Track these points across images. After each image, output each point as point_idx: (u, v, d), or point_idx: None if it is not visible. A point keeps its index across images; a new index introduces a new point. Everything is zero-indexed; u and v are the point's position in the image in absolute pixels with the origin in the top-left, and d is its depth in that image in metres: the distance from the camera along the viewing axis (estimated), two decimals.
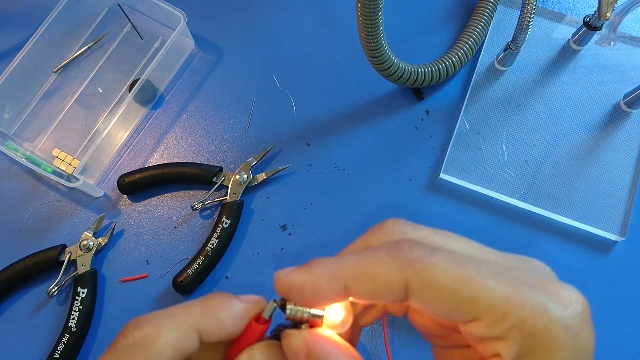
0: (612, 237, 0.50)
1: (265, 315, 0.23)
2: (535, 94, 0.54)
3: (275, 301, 0.22)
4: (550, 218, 0.51)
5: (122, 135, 0.55)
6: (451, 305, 0.19)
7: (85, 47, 0.58)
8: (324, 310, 0.22)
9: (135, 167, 0.54)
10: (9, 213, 0.53)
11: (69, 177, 0.52)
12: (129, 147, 0.55)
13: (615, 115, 0.53)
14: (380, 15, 0.43)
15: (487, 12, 0.54)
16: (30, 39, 0.53)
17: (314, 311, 0.22)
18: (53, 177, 0.50)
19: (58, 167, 0.54)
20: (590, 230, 0.50)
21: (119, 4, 0.59)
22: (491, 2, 0.55)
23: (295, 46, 0.58)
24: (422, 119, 0.55)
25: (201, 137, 0.55)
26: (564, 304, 0.20)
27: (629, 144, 0.52)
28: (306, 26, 0.58)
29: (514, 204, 0.51)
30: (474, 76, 0.55)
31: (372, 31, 0.44)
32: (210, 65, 0.57)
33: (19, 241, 0.52)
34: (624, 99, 0.53)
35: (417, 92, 0.55)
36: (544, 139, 0.53)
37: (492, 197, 0.52)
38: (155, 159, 0.55)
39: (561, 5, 0.58)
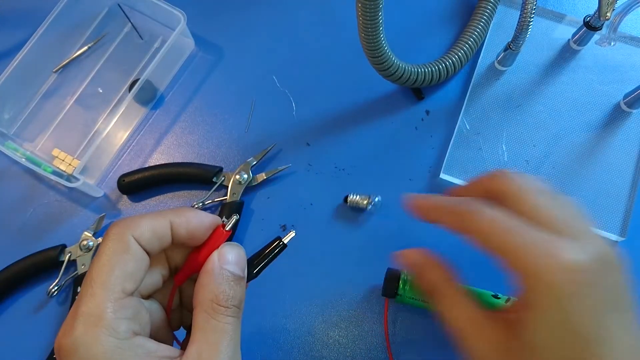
0: (612, 237, 0.50)
1: (229, 226, 0.30)
2: (536, 94, 0.54)
3: (237, 215, 0.30)
4: None
5: (122, 135, 0.55)
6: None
7: (86, 47, 0.58)
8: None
9: (135, 167, 0.54)
10: (9, 213, 0.53)
11: (69, 177, 0.52)
12: (129, 147, 0.55)
13: (616, 115, 0.53)
14: (380, 15, 0.43)
15: (487, 12, 0.54)
16: (30, 38, 0.53)
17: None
18: (53, 177, 0.50)
19: (58, 167, 0.53)
20: None
21: (119, 4, 0.59)
22: (491, 2, 0.55)
23: (295, 46, 0.58)
24: (422, 119, 0.55)
25: (201, 137, 0.55)
26: (562, 266, 0.24)
27: (629, 144, 0.52)
28: (306, 26, 0.58)
29: None
30: (474, 76, 0.55)
31: (372, 31, 0.44)
32: (210, 65, 0.57)
33: (18, 241, 0.52)
34: (624, 99, 0.53)
35: (417, 92, 0.55)
36: (544, 139, 0.53)
37: None
38: (155, 159, 0.55)
39: (561, 5, 0.58)
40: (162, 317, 0.30)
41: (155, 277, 0.29)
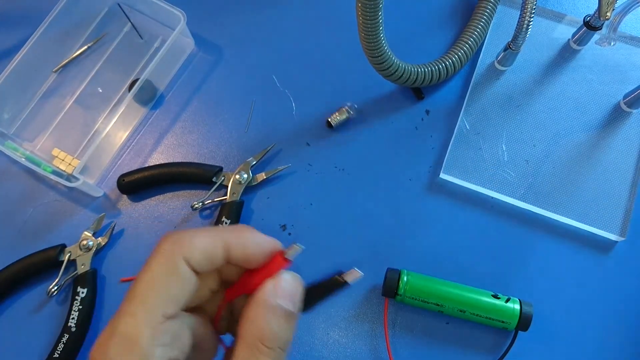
0: (612, 237, 0.50)
1: (290, 256, 0.27)
2: (536, 93, 0.54)
3: (299, 245, 0.27)
4: (550, 218, 0.51)
5: (122, 135, 0.55)
6: None
7: (85, 47, 0.58)
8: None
9: (135, 167, 0.54)
10: (9, 213, 0.53)
11: (69, 177, 0.52)
12: (128, 147, 0.55)
13: (616, 115, 0.53)
14: (380, 15, 0.43)
15: (487, 12, 0.54)
16: (30, 38, 0.53)
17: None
18: (53, 177, 0.50)
19: (58, 167, 0.53)
20: (590, 230, 0.50)
21: (118, 4, 0.59)
22: (491, 2, 0.55)
23: (295, 46, 0.58)
24: (422, 119, 0.55)
25: (201, 137, 0.55)
26: None
27: (629, 144, 0.52)
28: (306, 26, 0.58)
29: (514, 204, 0.51)
30: (474, 76, 0.55)
31: (372, 31, 0.44)
32: (210, 65, 0.57)
33: (18, 241, 0.52)
34: (624, 98, 0.53)
35: (417, 92, 0.55)
36: (544, 139, 0.53)
37: (492, 197, 0.52)
38: (155, 159, 0.55)
39: (561, 5, 0.58)
40: (208, 328, 0.28)
41: (203, 291, 0.28)
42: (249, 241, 0.26)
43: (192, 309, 0.27)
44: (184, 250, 0.25)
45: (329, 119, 0.53)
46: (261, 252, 0.27)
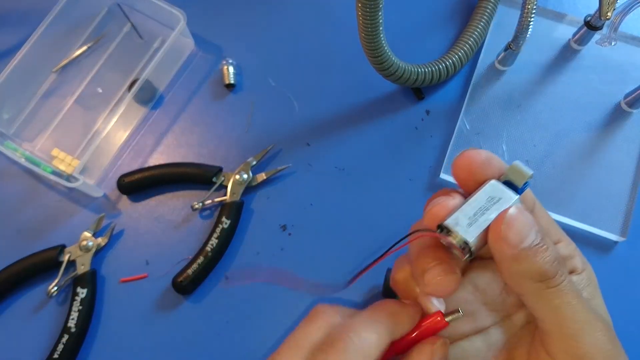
0: (613, 237, 0.50)
1: (449, 318, 0.25)
2: (536, 93, 0.54)
3: (460, 312, 0.25)
4: None
5: (122, 135, 0.55)
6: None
7: (85, 47, 0.58)
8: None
9: (135, 167, 0.54)
10: (9, 213, 0.53)
11: (69, 177, 0.52)
12: (128, 147, 0.55)
13: (616, 115, 0.53)
14: (380, 15, 0.43)
15: (487, 12, 0.54)
16: (30, 38, 0.53)
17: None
18: (52, 177, 0.50)
19: (57, 167, 0.53)
20: (590, 231, 0.50)
21: (118, 4, 0.59)
22: (491, 2, 0.55)
23: (295, 46, 0.58)
24: (422, 119, 0.55)
25: (201, 137, 0.55)
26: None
27: (630, 144, 0.52)
28: (306, 26, 0.58)
29: None
30: (474, 76, 0.55)
31: (372, 31, 0.44)
32: (210, 65, 0.57)
33: (18, 241, 0.52)
34: (624, 98, 0.53)
35: (417, 92, 0.55)
36: (545, 139, 0.53)
37: None
38: (155, 159, 0.55)
39: (562, 5, 0.58)
40: None
41: None
42: (405, 324, 0.26)
43: None
44: (363, 353, 0.23)
45: (226, 83, 0.55)
46: (414, 322, 0.26)
